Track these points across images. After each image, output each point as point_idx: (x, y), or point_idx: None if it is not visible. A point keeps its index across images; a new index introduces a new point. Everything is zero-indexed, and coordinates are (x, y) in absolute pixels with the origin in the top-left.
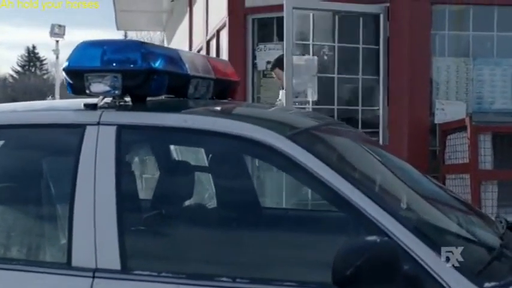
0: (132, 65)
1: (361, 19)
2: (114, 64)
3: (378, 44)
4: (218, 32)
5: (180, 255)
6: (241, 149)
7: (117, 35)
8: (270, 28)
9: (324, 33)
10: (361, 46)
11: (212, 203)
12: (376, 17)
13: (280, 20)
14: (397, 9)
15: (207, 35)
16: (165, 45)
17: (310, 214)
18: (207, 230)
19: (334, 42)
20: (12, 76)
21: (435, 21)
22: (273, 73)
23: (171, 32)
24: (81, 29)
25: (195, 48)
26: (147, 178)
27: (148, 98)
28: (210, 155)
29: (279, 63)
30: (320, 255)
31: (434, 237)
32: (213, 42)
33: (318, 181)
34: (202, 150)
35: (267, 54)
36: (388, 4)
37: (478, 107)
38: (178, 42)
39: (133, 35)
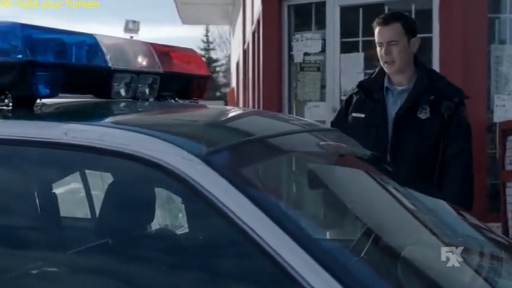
0: (1, 57)
1: (413, 6)
2: None
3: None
4: (258, 22)
5: None
6: (131, 173)
7: (198, 30)
8: (307, 15)
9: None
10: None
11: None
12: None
13: (319, 6)
14: None
15: (252, 26)
16: (231, 39)
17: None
18: None
19: None
20: None
21: (494, 3)
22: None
23: (234, 26)
24: (162, 25)
25: (246, 41)
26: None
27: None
28: (91, 181)
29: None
30: None
31: None
32: (256, 34)
33: (229, 221)
34: (87, 173)
35: (304, 44)
36: None
37: None
38: (238, 35)
39: (214, 30)
